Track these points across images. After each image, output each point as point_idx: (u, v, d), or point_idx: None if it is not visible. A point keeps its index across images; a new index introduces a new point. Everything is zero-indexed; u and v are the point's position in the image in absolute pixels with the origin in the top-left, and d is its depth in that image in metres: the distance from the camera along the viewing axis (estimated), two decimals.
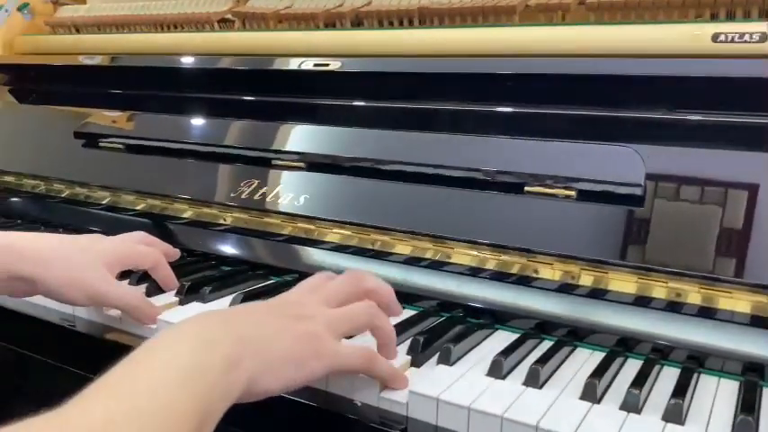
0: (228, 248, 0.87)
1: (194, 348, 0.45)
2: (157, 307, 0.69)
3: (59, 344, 0.76)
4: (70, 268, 0.65)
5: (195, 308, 0.71)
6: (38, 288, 0.66)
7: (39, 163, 1.09)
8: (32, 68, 1.25)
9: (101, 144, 1.04)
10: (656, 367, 0.59)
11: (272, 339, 0.49)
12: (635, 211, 0.65)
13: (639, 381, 0.55)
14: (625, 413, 0.52)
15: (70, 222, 0.99)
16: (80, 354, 0.74)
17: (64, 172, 1.05)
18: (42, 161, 1.09)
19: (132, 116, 1.05)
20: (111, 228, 0.96)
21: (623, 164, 0.67)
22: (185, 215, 0.92)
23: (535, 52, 0.77)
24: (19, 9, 1.32)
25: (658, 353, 0.61)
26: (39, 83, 1.26)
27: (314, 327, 0.51)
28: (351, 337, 0.60)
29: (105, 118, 1.08)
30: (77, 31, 1.26)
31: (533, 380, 0.56)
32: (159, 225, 0.94)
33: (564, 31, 0.78)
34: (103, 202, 1.00)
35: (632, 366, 0.60)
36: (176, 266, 0.83)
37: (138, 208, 0.97)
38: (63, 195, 1.05)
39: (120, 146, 1.03)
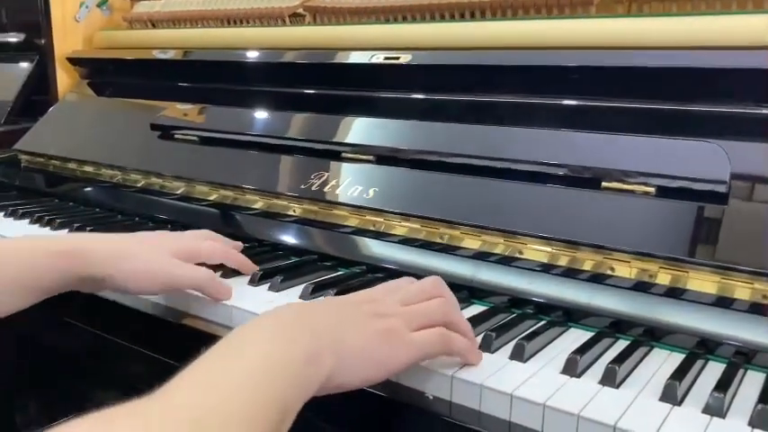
0: (297, 239, 0.89)
1: (276, 343, 0.46)
2: (228, 285, 0.72)
3: (131, 325, 0.79)
4: (138, 262, 0.68)
5: (265, 291, 0.73)
6: (107, 285, 0.69)
7: (116, 153, 1.12)
8: (109, 62, 1.30)
9: (176, 136, 1.07)
10: (740, 371, 0.57)
11: (351, 336, 0.50)
12: (719, 208, 0.63)
13: (723, 384, 0.53)
14: (708, 417, 0.50)
15: (145, 212, 1.03)
16: (151, 336, 0.77)
17: (140, 162, 1.08)
18: (119, 152, 1.13)
19: (205, 109, 1.08)
20: (185, 217, 0.99)
21: (707, 160, 0.65)
22: (256, 206, 0.94)
23: (614, 45, 0.75)
24: (98, 5, 1.37)
25: (742, 356, 0.59)
26: (116, 76, 1.31)
27: (390, 323, 0.52)
28: None
29: (180, 110, 1.11)
30: (153, 26, 1.30)
31: (610, 379, 0.54)
32: (230, 215, 0.96)
33: (643, 23, 0.76)
34: (177, 193, 1.03)
35: (714, 369, 0.58)
36: (248, 256, 0.85)
37: (210, 198, 0.99)
38: (139, 185, 1.08)
39: (194, 138, 1.05)
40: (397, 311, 0.54)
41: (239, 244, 0.81)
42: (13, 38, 1.58)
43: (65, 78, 1.34)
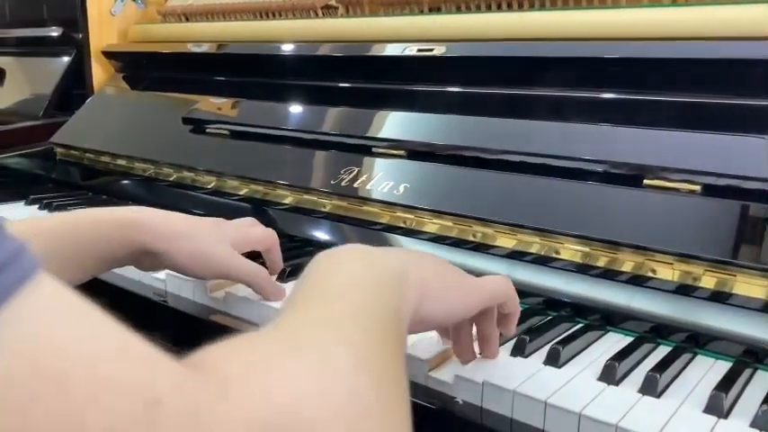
0: (327, 236, 0.87)
1: (366, 265, 0.43)
2: (282, 286, 0.71)
3: (150, 317, 0.78)
4: (199, 244, 0.67)
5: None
6: (165, 262, 0.67)
7: (148, 147, 1.13)
8: (143, 56, 1.30)
9: (207, 130, 1.07)
10: None
11: (432, 272, 0.49)
12: None
13: None
14: None
15: (177, 206, 1.02)
16: (168, 328, 0.77)
17: (172, 156, 1.08)
18: (152, 145, 1.13)
19: (237, 103, 1.07)
20: (216, 212, 0.98)
21: (756, 156, 0.62)
22: (286, 201, 0.93)
23: (659, 36, 0.72)
24: None
25: None
26: (150, 70, 1.31)
27: (462, 272, 0.52)
28: None
29: (211, 104, 1.10)
30: (186, 20, 1.30)
31: (651, 388, 0.52)
32: (261, 210, 0.95)
33: (689, 13, 0.72)
34: (209, 187, 1.03)
35: (762, 380, 0.55)
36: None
37: (241, 193, 0.98)
38: (171, 179, 1.08)
39: (226, 132, 1.05)
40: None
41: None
42: (51, 32, 1.60)
43: (100, 72, 1.35)
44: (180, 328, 0.76)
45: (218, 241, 0.68)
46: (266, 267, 0.73)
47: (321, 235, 0.87)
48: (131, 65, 1.33)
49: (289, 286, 0.72)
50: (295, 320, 0.36)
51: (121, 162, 1.15)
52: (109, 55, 1.33)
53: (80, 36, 1.38)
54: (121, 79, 1.33)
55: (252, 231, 0.74)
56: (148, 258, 0.67)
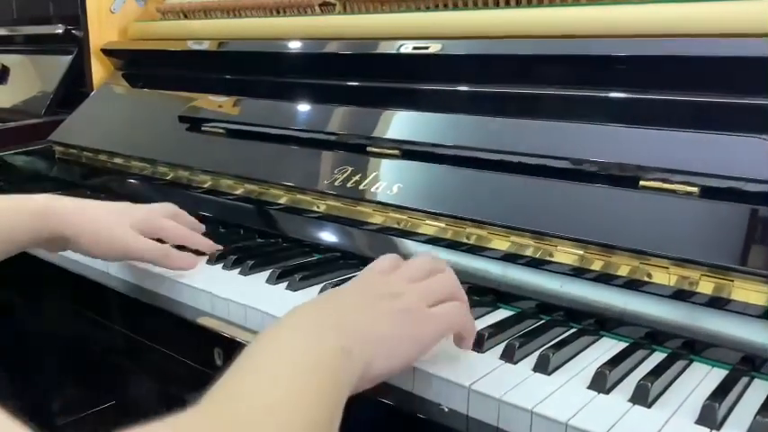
0: (321, 236, 0.86)
1: (307, 341, 0.45)
2: (192, 256, 0.76)
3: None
4: (101, 228, 0.73)
5: (283, 290, 0.71)
6: (72, 245, 0.74)
7: (145, 146, 1.12)
8: (142, 53, 1.29)
9: (203, 128, 1.06)
10: None
11: (375, 323, 0.49)
12: None
13: None
14: None
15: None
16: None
17: (168, 155, 1.07)
18: (148, 144, 1.12)
19: (232, 101, 1.06)
20: (212, 211, 0.97)
21: (755, 157, 0.60)
22: (281, 201, 0.91)
23: (657, 32, 0.70)
24: None
25: None
26: (148, 67, 1.30)
27: (408, 302, 0.51)
28: None
29: (208, 102, 1.09)
30: (185, 17, 1.29)
31: (642, 397, 0.50)
32: (255, 210, 0.94)
33: (687, 9, 0.70)
34: (205, 186, 1.02)
35: (759, 388, 0.53)
36: (271, 252, 0.83)
37: (236, 192, 0.97)
38: (167, 178, 1.07)
39: (221, 130, 1.04)
40: (407, 288, 0.53)
41: (202, 226, 0.84)
42: (54, 30, 1.60)
43: (100, 70, 1.34)
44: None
45: (121, 224, 0.73)
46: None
47: (315, 235, 0.86)
48: (131, 62, 1.32)
49: (277, 289, 0.71)
50: (199, 421, 0.37)
51: (119, 161, 1.14)
52: (108, 52, 1.32)
53: (81, 34, 1.38)
54: (121, 77, 1.32)
55: (161, 222, 0.77)
56: (57, 242, 0.74)
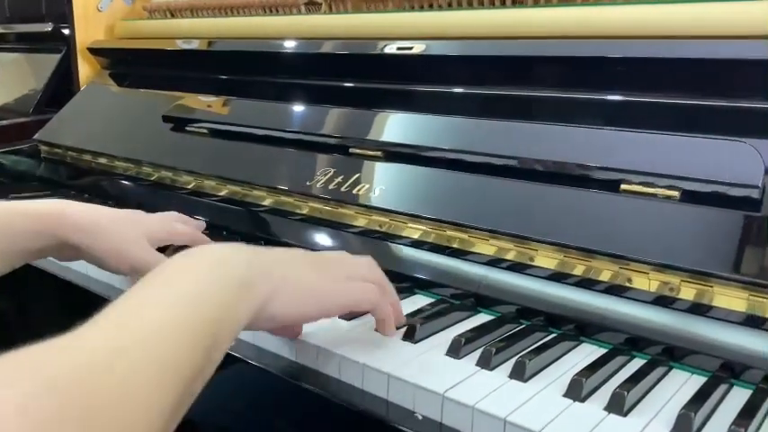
0: (302, 239, 0.85)
1: (205, 270, 0.45)
2: None
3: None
4: (116, 240, 0.69)
5: None
6: (84, 255, 0.70)
7: (129, 145, 1.11)
8: (128, 53, 1.28)
9: (187, 129, 1.05)
10: None
11: (288, 270, 0.51)
12: (750, 216, 0.57)
13: (747, 414, 0.48)
14: None
15: (156, 206, 1.00)
16: None
17: (152, 155, 1.06)
18: (133, 144, 1.11)
19: (217, 101, 1.05)
20: (195, 213, 0.96)
21: (738, 161, 0.59)
22: (264, 203, 0.90)
23: (640, 34, 0.69)
24: None
25: None
26: (135, 66, 1.29)
27: (331, 267, 0.55)
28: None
29: (192, 102, 1.08)
30: (172, 16, 1.28)
31: (617, 406, 0.49)
32: (238, 212, 0.93)
33: (669, 10, 0.69)
34: (188, 187, 1.01)
35: (738, 396, 0.52)
36: None
37: (220, 194, 0.96)
38: (152, 179, 1.06)
39: (205, 131, 1.03)
40: (337, 262, 0.56)
41: (203, 224, 0.83)
42: (43, 28, 1.59)
43: (87, 69, 1.33)
44: None
45: (136, 237, 0.70)
46: None
47: (296, 238, 0.85)
48: (118, 61, 1.31)
49: None
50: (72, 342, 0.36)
51: (103, 161, 1.13)
52: (95, 51, 1.31)
53: (69, 32, 1.37)
54: (107, 76, 1.31)
55: (174, 228, 0.76)
56: (68, 251, 0.69)
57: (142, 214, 0.75)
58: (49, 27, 1.58)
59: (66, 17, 1.38)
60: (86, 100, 1.28)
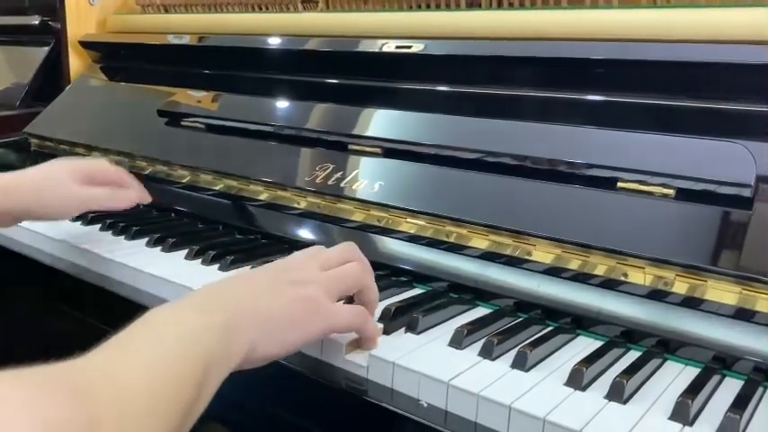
0: (301, 233, 0.86)
1: (193, 315, 0.46)
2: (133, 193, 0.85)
3: None
4: (54, 191, 0.78)
5: None
6: (26, 217, 0.81)
7: (123, 139, 1.11)
8: (121, 47, 1.27)
9: (182, 123, 1.05)
10: (759, 389, 0.53)
11: (271, 306, 0.51)
12: (742, 214, 0.59)
13: (740, 403, 0.50)
14: None
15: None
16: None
17: (146, 149, 1.06)
18: (126, 137, 1.11)
19: (212, 96, 1.06)
20: (190, 207, 0.97)
21: (731, 161, 0.61)
22: (261, 197, 0.91)
23: (636, 37, 0.71)
24: None
25: (761, 373, 0.55)
26: (127, 61, 1.29)
27: (312, 290, 0.53)
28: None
29: (187, 97, 1.09)
30: (165, 11, 1.28)
31: (617, 394, 0.51)
32: (234, 206, 0.93)
33: (666, 15, 0.72)
34: (183, 181, 1.01)
35: (730, 386, 0.54)
36: (250, 249, 0.83)
37: (216, 188, 0.97)
38: (146, 173, 1.06)
39: (201, 125, 1.03)
40: (315, 278, 0.55)
41: (149, 198, 0.89)
42: (30, 21, 1.58)
43: (77, 62, 1.32)
44: None
45: (72, 181, 0.79)
46: None
47: (296, 232, 0.86)
48: (109, 55, 1.31)
49: (195, 264, 0.71)
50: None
51: (96, 154, 1.13)
52: (86, 45, 1.31)
53: (59, 26, 1.36)
54: (99, 70, 1.31)
55: (102, 165, 0.85)
56: (9, 216, 0.78)
57: (68, 161, 0.83)
58: (36, 20, 1.56)
59: (52, 10, 1.37)
60: (78, 93, 1.28)
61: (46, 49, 1.51)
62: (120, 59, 1.29)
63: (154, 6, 1.29)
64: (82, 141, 1.15)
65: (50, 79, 1.43)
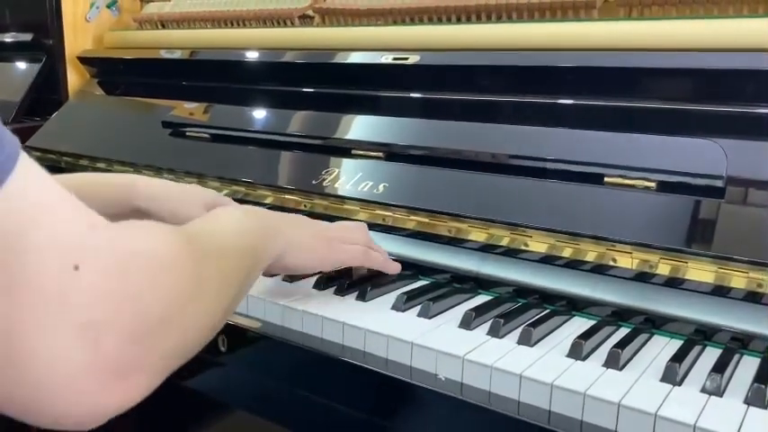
0: None
1: (246, 219, 0.60)
2: None
3: None
4: (176, 205, 0.82)
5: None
6: (150, 219, 0.81)
7: (127, 150, 1.15)
8: (120, 62, 1.32)
9: (186, 133, 1.10)
10: (736, 356, 0.60)
11: (301, 233, 0.68)
12: (716, 202, 0.66)
13: (720, 367, 0.56)
14: (706, 396, 0.53)
15: None
16: None
17: (151, 159, 1.10)
18: (130, 149, 1.15)
19: (216, 107, 1.11)
20: None
21: (705, 157, 0.68)
22: (267, 201, 0.96)
23: (617, 47, 0.79)
24: (108, 6, 1.40)
25: (738, 342, 0.62)
26: (125, 75, 1.33)
27: (333, 234, 0.72)
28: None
29: (190, 109, 1.14)
30: (162, 27, 1.32)
31: (614, 362, 0.57)
32: None
33: (644, 26, 0.79)
34: None
35: (711, 354, 0.61)
36: None
37: (222, 194, 1.01)
38: None
39: (206, 135, 1.08)
40: (337, 228, 0.74)
41: None
42: (21, 38, 1.60)
43: (74, 77, 1.36)
44: None
45: (193, 202, 0.83)
46: None
47: None
48: (107, 70, 1.35)
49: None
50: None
51: (100, 165, 1.17)
52: (84, 60, 1.35)
53: (51, 42, 1.39)
54: (97, 84, 1.35)
55: (221, 196, 0.90)
56: (137, 216, 0.78)
57: (202, 189, 0.89)
58: (27, 37, 1.59)
59: (46, 27, 1.41)
60: (79, 107, 1.32)
61: (37, 65, 1.54)
62: (118, 74, 1.34)
63: (151, 22, 1.33)
64: (86, 153, 1.19)
65: (44, 95, 1.47)
